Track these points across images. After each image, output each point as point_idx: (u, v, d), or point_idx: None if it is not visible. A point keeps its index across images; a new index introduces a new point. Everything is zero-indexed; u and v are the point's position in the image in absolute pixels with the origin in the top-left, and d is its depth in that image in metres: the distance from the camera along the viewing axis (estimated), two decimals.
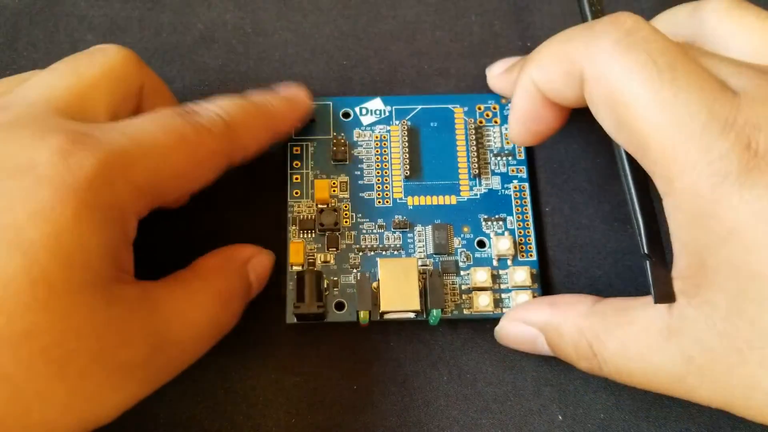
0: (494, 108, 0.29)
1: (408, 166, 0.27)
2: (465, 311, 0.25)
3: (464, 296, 0.25)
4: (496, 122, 0.29)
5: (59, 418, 0.18)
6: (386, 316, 0.24)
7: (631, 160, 0.21)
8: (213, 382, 0.24)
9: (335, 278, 0.25)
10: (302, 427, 0.24)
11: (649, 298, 0.20)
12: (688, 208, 0.18)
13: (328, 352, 0.25)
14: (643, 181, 0.21)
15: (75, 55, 0.23)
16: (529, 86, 0.23)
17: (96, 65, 0.22)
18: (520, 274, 0.25)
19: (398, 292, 0.24)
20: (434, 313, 0.24)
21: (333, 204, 0.26)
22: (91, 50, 0.24)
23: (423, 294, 0.24)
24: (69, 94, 0.21)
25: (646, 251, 0.20)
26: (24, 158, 0.18)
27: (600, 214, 0.28)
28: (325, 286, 0.25)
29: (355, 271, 0.25)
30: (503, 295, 0.25)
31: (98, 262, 0.18)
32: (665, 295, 0.19)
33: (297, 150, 0.27)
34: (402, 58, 0.31)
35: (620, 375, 0.21)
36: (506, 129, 0.28)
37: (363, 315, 0.24)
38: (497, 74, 0.29)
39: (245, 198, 0.27)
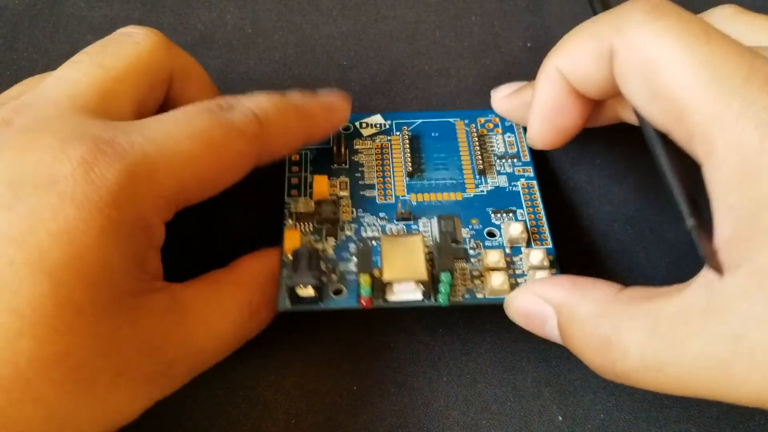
0: (495, 120, 0.28)
1: (410, 164, 0.27)
2: (478, 295, 0.23)
3: (476, 281, 0.23)
4: (497, 132, 0.28)
5: (89, 428, 0.18)
6: (390, 297, 0.22)
7: (662, 135, 0.20)
8: (212, 382, 0.24)
9: (333, 267, 0.23)
10: (302, 428, 0.24)
11: (681, 285, 0.18)
12: (734, 165, 0.17)
13: (328, 352, 0.25)
14: (676, 155, 0.20)
15: (101, 42, 0.22)
16: (554, 75, 0.22)
17: (122, 56, 0.22)
18: (536, 255, 0.23)
19: (403, 262, 0.22)
20: (443, 280, 0.21)
21: (332, 199, 0.25)
22: (118, 36, 0.23)
23: (431, 276, 0.22)
24: (93, 90, 0.21)
25: (689, 220, 0.18)
26: (45, 172, 0.18)
27: (600, 214, 0.28)
28: (324, 268, 0.23)
29: (355, 259, 0.23)
30: (519, 280, 0.23)
31: (123, 279, 0.18)
32: (717, 264, 0.17)
33: (296, 158, 0.27)
34: (402, 58, 0.31)
35: (646, 371, 0.17)
36: (509, 137, 0.28)
37: (364, 281, 0.21)
38: (503, 96, 0.27)
39: (243, 198, 0.27)
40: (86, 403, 0.18)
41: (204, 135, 0.20)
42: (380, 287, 0.22)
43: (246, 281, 0.22)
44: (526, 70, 0.29)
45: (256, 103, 0.22)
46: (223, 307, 0.21)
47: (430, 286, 0.22)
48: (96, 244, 0.17)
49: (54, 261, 0.17)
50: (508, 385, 0.25)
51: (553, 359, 0.25)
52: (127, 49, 0.22)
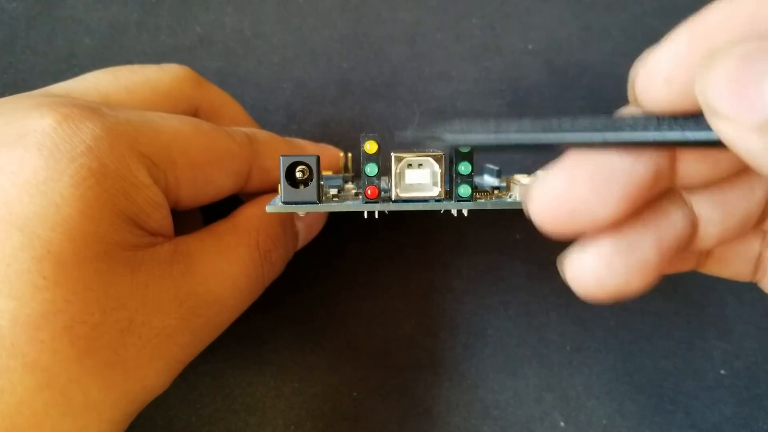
0: None
1: None
2: (504, 197, 0.20)
3: (497, 192, 0.21)
4: None
5: (104, 398, 0.17)
6: (402, 191, 0.19)
7: None
8: (211, 388, 0.24)
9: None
10: None
11: None
12: None
13: (328, 358, 0.25)
14: None
15: (129, 65, 0.23)
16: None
17: (141, 75, 0.22)
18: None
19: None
20: (462, 170, 0.19)
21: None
22: (148, 64, 0.23)
23: (447, 163, 0.19)
24: (95, 91, 0.20)
25: None
26: (14, 130, 0.17)
27: None
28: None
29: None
30: None
31: (112, 231, 0.17)
32: None
33: None
34: (402, 60, 0.31)
35: None
36: None
37: (369, 146, 0.19)
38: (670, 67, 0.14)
39: None
40: (91, 367, 0.16)
41: (193, 122, 0.20)
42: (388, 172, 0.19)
43: (247, 225, 0.21)
44: (528, 73, 0.29)
45: (246, 128, 0.22)
46: (230, 253, 0.20)
47: (447, 172, 0.19)
48: (71, 193, 0.16)
49: (24, 213, 0.16)
50: (510, 390, 0.24)
51: (555, 365, 0.24)
52: (148, 71, 0.22)
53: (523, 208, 0.16)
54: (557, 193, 0.15)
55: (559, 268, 0.17)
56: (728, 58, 0.12)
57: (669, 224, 0.16)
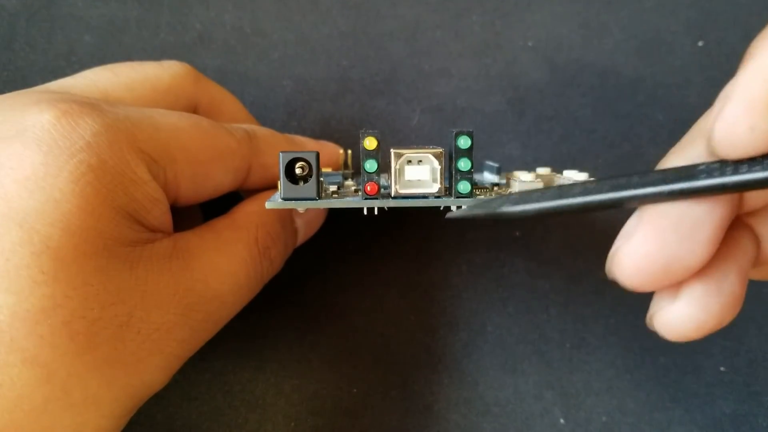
0: None
1: None
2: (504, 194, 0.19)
3: (497, 189, 0.21)
4: None
5: (104, 393, 0.17)
6: (401, 187, 0.19)
7: None
8: (211, 385, 0.24)
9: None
10: (302, 431, 0.24)
11: None
12: None
13: (328, 354, 0.25)
14: None
15: (130, 62, 0.23)
16: None
17: (140, 72, 0.22)
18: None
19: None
20: (462, 167, 0.19)
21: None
22: (148, 61, 0.23)
23: (447, 160, 0.19)
24: (95, 89, 0.20)
25: None
26: (13, 125, 0.17)
27: (603, 214, 0.28)
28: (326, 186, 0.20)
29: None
30: None
31: (111, 227, 0.17)
32: None
33: None
34: (402, 58, 0.31)
35: None
36: None
37: (369, 142, 0.19)
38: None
39: None
40: (90, 362, 0.16)
41: (192, 119, 0.20)
42: (388, 170, 0.19)
43: (246, 222, 0.21)
44: (528, 70, 0.29)
45: (246, 125, 0.22)
46: (229, 249, 0.20)
47: (447, 168, 0.19)
48: (70, 189, 0.16)
49: (23, 208, 0.16)
50: (510, 387, 0.24)
51: (555, 362, 0.25)
52: (148, 68, 0.22)
53: (608, 273, 0.17)
54: (648, 252, 0.15)
55: (648, 324, 0.17)
56: None
57: (743, 252, 0.16)
